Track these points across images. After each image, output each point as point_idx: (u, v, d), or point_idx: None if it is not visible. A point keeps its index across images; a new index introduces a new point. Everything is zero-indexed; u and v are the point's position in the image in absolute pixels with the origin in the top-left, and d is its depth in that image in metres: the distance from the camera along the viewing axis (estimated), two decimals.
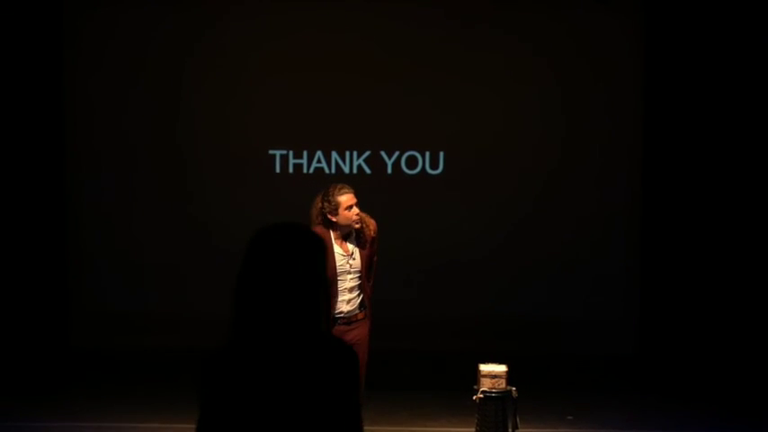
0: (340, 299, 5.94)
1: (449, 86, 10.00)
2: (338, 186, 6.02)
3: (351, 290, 5.98)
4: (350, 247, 5.99)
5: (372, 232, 6.07)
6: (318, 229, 5.94)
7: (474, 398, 6.20)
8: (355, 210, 5.95)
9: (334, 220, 5.93)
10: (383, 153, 10.14)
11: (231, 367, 2.38)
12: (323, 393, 2.36)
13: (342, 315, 5.97)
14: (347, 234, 6.01)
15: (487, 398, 6.16)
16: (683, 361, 9.29)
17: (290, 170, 10.13)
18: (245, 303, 2.43)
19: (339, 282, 5.91)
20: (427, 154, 10.13)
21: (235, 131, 10.07)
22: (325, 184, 6.17)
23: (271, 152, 10.13)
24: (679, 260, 9.66)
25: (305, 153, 10.12)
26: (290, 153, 10.13)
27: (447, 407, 7.68)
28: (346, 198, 5.95)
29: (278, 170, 10.13)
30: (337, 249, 5.93)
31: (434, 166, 10.13)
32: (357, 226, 5.98)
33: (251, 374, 2.36)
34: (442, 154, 10.12)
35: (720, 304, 9.41)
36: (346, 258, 5.96)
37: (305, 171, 10.11)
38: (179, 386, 8.48)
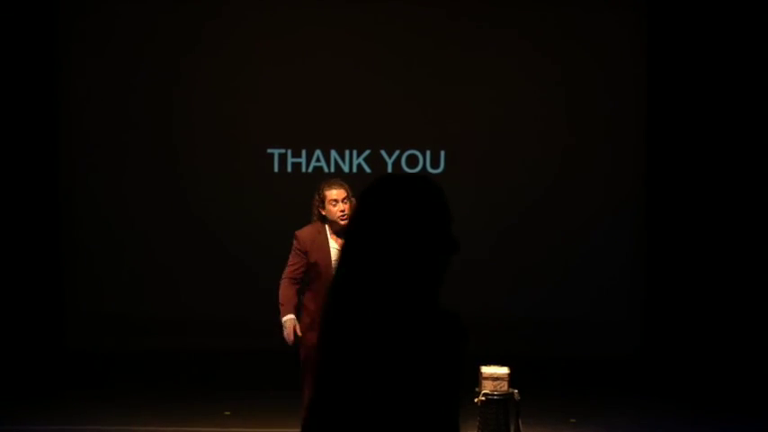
0: None
1: (450, 85, 9.91)
2: (330, 181, 6.11)
3: None
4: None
5: None
6: (316, 224, 5.94)
7: (475, 400, 6.13)
8: (340, 206, 5.89)
9: (323, 213, 5.91)
10: (383, 152, 10.04)
11: (333, 343, 2.05)
12: (428, 379, 2.03)
13: None
14: (340, 228, 5.91)
15: (489, 400, 6.09)
16: (687, 362, 9.22)
17: (289, 169, 10.03)
18: (354, 268, 2.04)
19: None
20: (428, 153, 10.04)
21: (233, 130, 9.97)
22: None
23: (269, 151, 10.03)
24: (682, 261, 9.60)
25: (303, 152, 10.02)
26: (289, 152, 10.03)
27: None
28: (335, 192, 5.94)
29: (276, 169, 10.03)
30: (332, 244, 5.93)
31: (435, 165, 10.04)
32: (343, 222, 5.89)
33: (352, 350, 2.03)
34: (443, 153, 10.03)
35: (724, 305, 9.36)
36: None
37: (303, 170, 10.01)
38: (176, 388, 8.44)
